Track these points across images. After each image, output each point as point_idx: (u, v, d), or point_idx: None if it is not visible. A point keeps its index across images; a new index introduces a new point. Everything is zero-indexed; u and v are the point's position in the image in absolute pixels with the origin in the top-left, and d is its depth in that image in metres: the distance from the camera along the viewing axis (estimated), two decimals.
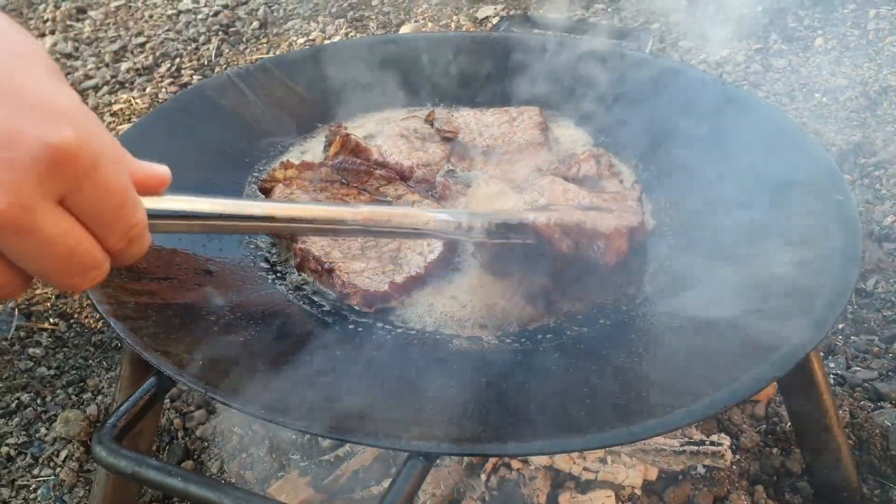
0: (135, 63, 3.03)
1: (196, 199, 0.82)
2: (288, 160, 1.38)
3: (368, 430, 0.83)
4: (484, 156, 1.41)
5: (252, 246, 1.22)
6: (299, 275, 1.17)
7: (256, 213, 0.88)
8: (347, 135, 1.39)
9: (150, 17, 3.39)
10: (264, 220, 0.88)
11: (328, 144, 1.41)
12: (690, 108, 1.35)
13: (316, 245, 1.17)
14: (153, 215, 0.74)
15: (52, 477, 1.48)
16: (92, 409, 1.59)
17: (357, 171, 1.33)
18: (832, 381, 1.55)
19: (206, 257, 1.17)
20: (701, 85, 1.45)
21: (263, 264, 1.19)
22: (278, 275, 1.17)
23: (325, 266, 1.14)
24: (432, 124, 1.49)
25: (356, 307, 1.10)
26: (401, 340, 1.05)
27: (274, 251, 1.21)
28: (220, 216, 0.84)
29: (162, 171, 0.75)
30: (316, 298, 1.12)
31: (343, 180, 1.32)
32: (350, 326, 1.07)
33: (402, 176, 1.34)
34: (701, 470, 1.36)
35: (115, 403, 1.27)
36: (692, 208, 1.25)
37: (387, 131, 1.46)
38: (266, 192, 1.30)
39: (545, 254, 1.09)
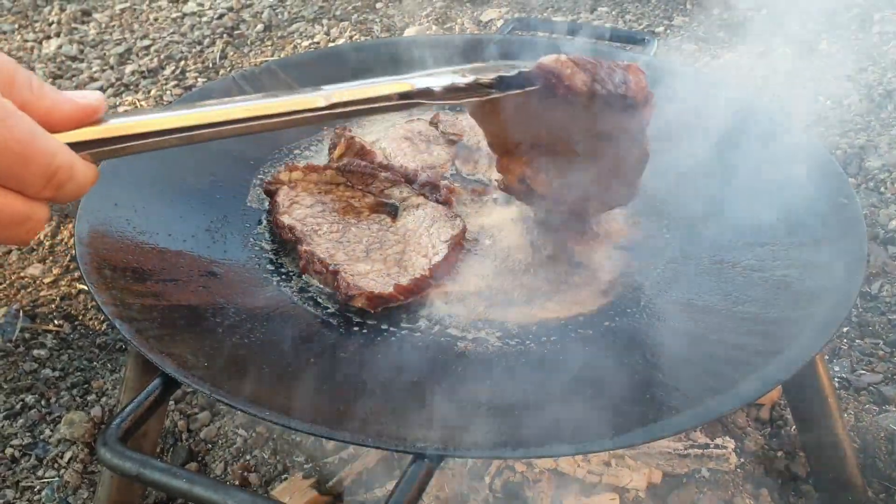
0: (139, 66, 3.04)
1: (141, 116, 0.74)
2: (293, 162, 1.38)
3: (372, 432, 0.83)
4: (489, 158, 1.41)
5: (257, 248, 1.22)
6: (304, 277, 1.17)
7: (207, 121, 0.77)
8: (352, 137, 1.39)
9: (155, 19, 3.40)
10: (219, 125, 0.77)
11: (333, 147, 1.42)
12: (693, 112, 1.34)
13: (321, 247, 1.17)
14: (94, 144, 0.70)
15: (57, 478, 1.48)
16: (96, 411, 1.59)
17: (362, 174, 1.33)
18: (837, 385, 1.55)
19: (210, 259, 1.17)
20: (704, 89, 1.45)
21: (269, 266, 1.19)
22: (283, 276, 1.17)
23: (330, 268, 1.14)
24: (437, 127, 1.50)
25: (361, 309, 1.10)
26: (405, 342, 1.05)
27: (279, 253, 1.21)
28: (169, 131, 0.75)
29: (89, 100, 0.70)
30: (321, 300, 1.12)
31: (348, 183, 1.33)
32: (355, 328, 1.07)
33: (407, 178, 1.34)
34: (705, 473, 1.36)
35: (120, 405, 1.27)
36: (696, 212, 1.25)
37: (391, 134, 1.46)
38: (271, 195, 1.30)
39: (558, 101, 0.95)
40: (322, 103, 0.83)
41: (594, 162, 1.07)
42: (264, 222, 1.28)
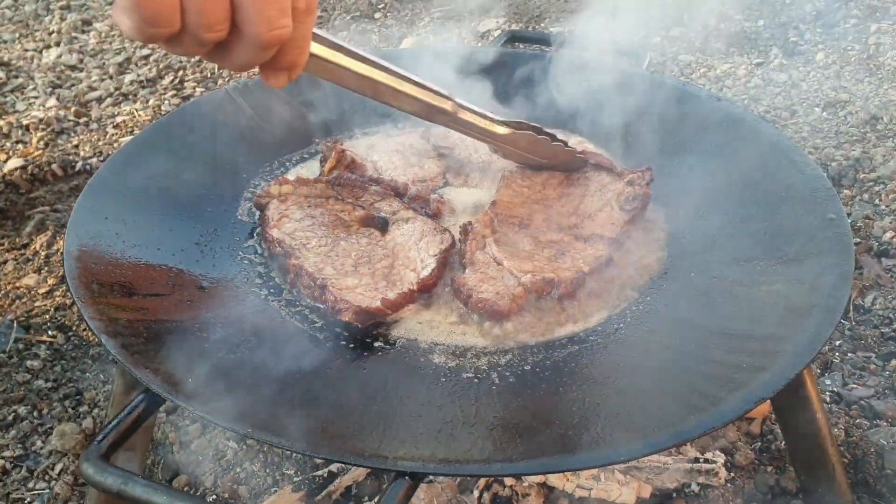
0: (139, 75, 3.05)
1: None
2: (283, 176, 1.39)
3: (355, 450, 0.84)
4: (479, 172, 1.42)
5: (246, 262, 1.23)
6: (293, 291, 1.17)
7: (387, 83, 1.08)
8: (343, 151, 1.39)
9: None
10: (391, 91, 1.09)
11: (324, 160, 1.42)
12: (685, 124, 1.35)
13: (309, 261, 1.18)
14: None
15: (47, 490, 1.48)
16: (88, 423, 1.60)
17: (352, 187, 1.34)
18: (828, 399, 1.55)
19: (199, 273, 1.18)
20: (696, 101, 1.45)
21: (257, 280, 1.19)
22: (271, 291, 1.17)
23: (318, 282, 1.14)
24: (428, 140, 1.50)
25: (349, 323, 1.10)
26: (391, 358, 1.05)
27: (268, 267, 1.22)
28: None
29: None
30: (309, 315, 1.12)
31: (338, 196, 1.33)
32: (342, 343, 1.07)
33: (397, 192, 1.34)
34: (695, 488, 1.36)
35: (107, 419, 1.27)
36: (685, 225, 1.25)
37: (383, 147, 1.47)
38: (261, 208, 1.30)
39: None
40: (448, 109, 1.15)
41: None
42: (255, 236, 1.28)
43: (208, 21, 0.74)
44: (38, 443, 1.57)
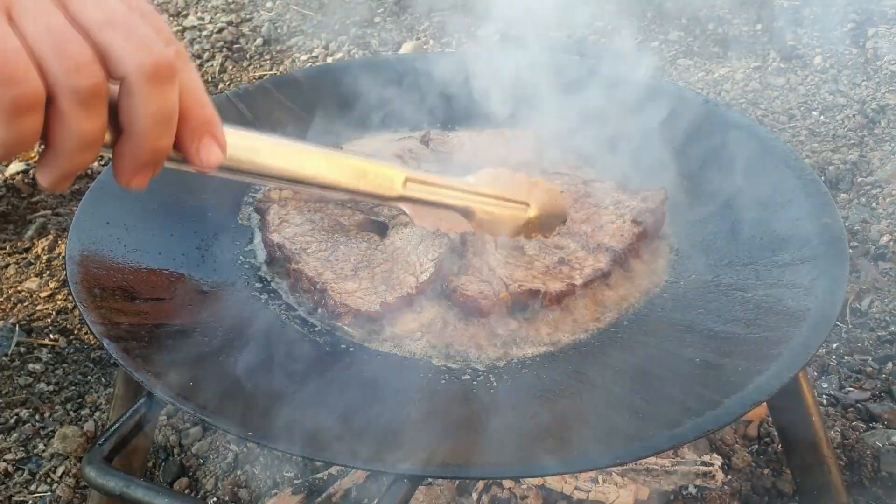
0: None
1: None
2: None
3: (353, 452, 0.85)
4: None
5: (246, 266, 1.24)
6: (292, 295, 1.18)
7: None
8: None
9: None
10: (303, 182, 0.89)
11: None
12: (679, 130, 1.36)
13: (309, 265, 1.19)
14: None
15: (49, 493, 1.49)
16: (90, 426, 1.61)
17: None
18: (825, 402, 1.56)
19: (199, 277, 1.19)
20: (690, 106, 1.46)
21: (257, 284, 1.20)
22: (271, 295, 1.18)
23: (318, 286, 1.15)
24: (427, 144, 1.51)
25: (348, 327, 1.11)
26: (390, 362, 1.06)
27: (268, 271, 1.22)
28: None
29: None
30: (308, 319, 1.14)
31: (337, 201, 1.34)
32: (341, 346, 1.08)
33: None
34: (692, 490, 1.37)
35: (109, 422, 1.28)
36: (681, 230, 1.26)
37: (382, 151, 1.48)
38: (261, 212, 1.31)
39: None
40: (395, 193, 0.98)
41: None
42: (255, 240, 1.29)
43: (72, 60, 0.60)
44: (40, 446, 1.58)
